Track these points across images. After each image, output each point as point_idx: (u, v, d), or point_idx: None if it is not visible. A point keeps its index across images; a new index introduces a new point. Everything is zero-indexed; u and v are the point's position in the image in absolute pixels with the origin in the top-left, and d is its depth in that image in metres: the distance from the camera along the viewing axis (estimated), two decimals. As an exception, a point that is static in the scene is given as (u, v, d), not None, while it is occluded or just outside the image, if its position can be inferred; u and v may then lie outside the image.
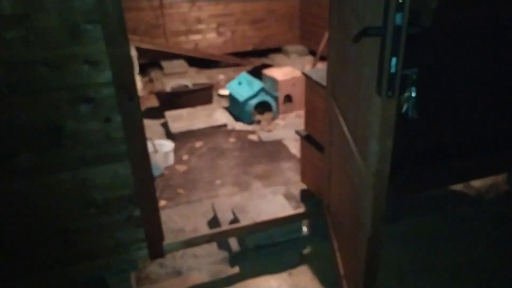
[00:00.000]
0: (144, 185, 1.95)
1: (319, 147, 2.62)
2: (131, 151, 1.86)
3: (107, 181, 1.90)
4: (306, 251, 2.38)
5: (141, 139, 1.86)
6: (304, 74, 2.63)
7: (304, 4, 6.17)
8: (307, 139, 2.78)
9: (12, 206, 1.82)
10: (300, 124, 4.23)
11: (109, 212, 1.97)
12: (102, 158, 1.85)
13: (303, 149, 2.94)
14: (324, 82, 2.37)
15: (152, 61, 5.84)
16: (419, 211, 2.76)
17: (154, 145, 3.30)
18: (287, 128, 4.14)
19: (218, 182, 3.24)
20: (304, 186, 3.05)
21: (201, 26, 5.90)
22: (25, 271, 1.96)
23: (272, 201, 2.60)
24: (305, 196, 2.92)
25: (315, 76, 2.51)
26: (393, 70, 1.04)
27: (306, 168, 2.99)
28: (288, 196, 2.90)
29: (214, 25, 5.96)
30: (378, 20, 1.06)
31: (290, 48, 6.29)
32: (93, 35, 1.63)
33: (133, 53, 5.14)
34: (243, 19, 6.04)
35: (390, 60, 1.03)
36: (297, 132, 2.91)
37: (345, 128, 1.58)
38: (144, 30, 5.62)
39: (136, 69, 5.21)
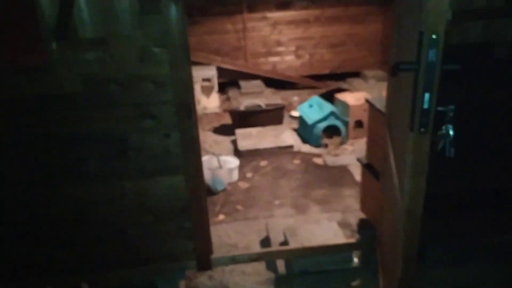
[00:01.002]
0: (196, 199, 2.07)
1: (378, 176, 2.54)
2: (186, 165, 1.99)
3: (163, 192, 2.05)
4: (355, 283, 2.30)
5: (196, 155, 1.98)
6: (367, 101, 2.59)
7: (386, 29, 6.03)
8: (368, 168, 2.71)
9: (80, 207, 2.05)
10: (369, 152, 4.13)
11: (163, 221, 2.12)
12: (160, 170, 2.01)
13: (363, 177, 2.87)
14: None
15: (231, 80, 6.12)
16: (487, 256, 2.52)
17: (219, 161, 3.45)
18: (354, 154, 4.05)
19: (276, 202, 3.28)
20: (363, 216, 2.96)
21: (280, 49, 6.06)
22: (87, 269, 2.18)
23: (326, 227, 2.56)
24: (363, 226, 2.83)
25: (378, 104, 2.46)
26: (426, 106, 1.01)
27: (365, 197, 2.90)
28: (344, 224, 2.83)
29: (293, 48, 6.08)
30: (412, 52, 1.04)
31: (368, 72, 6.17)
32: (159, 59, 1.80)
33: (214, 72, 5.45)
34: (322, 43, 6.09)
35: (423, 96, 1.00)
36: (359, 160, 2.85)
37: (392, 162, 1.54)
38: (226, 51, 5.93)
39: (215, 87, 5.51)
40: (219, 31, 5.83)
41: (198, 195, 2.07)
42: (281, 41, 6.02)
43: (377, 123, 2.52)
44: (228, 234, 2.91)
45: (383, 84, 5.96)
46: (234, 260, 2.27)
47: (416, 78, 1.01)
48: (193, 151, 1.97)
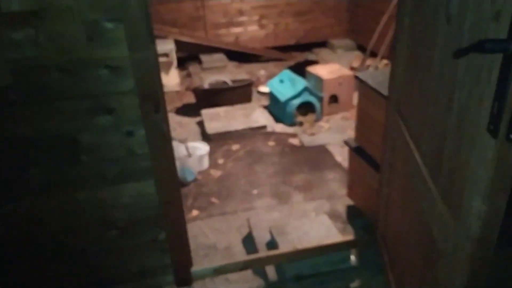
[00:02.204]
0: (170, 206, 1.71)
1: (373, 163, 2.28)
2: (156, 168, 1.62)
3: (129, 201, 1.68)
4: (354, 285, 2.07)
5: (167, 155, 1.61)
6: (357, 78, 2.29)
7: (353, -5, 5.72)
8: (358, 152, 2.45)
9: (25, 226, 1.63)
10: (346, 128, 3.88)
11: (131, 235, 1.75)
12: (123, 176, 1.62)
13: (351, 161, 2.61)
14: (382, 90, 2.03)
15: (191, 54, 5.63)
16: None
17: (187, 149, 3.07)
18: (331, 132, 3.80)
19: (255, 191, 2.97)
20: (350, 202, 2.72)
21: (243, 18, 5.61)
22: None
23: (315, 221, 2.29)
24: (352, 215, 2.60)
25: (372, 81, 2.16)
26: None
27: (354, 183, 2.66)
28: (333, 215, 2.58)
29: (256, 17, 5.65)
30: (487, 26, 0.73)
31: (336, 42, 5.88)
32: (114, 36, 1.38)
33: (171, 46, 4.94)
34: (287, 11, 5.69)
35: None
36: (346, 143, 2.58)
37: (418, 159, 1.25)
38: (184, 22, 5.41)
39: (174, 63, 5.02)
40: (174, -1, 5.27)
41: (173, 202, 1.71)
42: (243, 10, 5.57)
43: (369, 103, 2.24)
44: (205, 233, 2.58)
45: (352, 53, 5.75)
46: (219, 271, 1.96)
47: (505, 64, 0.69)
48: (164, 150, 1.59)
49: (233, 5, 5.49)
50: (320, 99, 3.97)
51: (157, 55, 1.48)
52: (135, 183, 1.64)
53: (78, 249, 1.73)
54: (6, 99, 1.39)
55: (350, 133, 3.72)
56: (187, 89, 4.75)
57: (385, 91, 2.02)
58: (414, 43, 1.37)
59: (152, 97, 1.48)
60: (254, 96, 4.62)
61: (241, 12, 5.56)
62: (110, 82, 1.44)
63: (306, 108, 3.95)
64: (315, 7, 5.74)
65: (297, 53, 5.90)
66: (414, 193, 1.31)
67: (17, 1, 1.25)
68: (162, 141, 1.56)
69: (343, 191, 2.86)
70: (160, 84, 1.51)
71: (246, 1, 5.52)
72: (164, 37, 5.15)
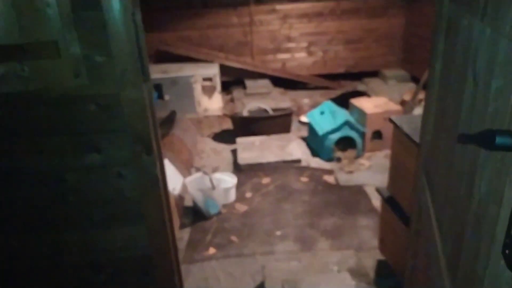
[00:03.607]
0: (161, 257, 1.55)
1: (404, 217, 2.00)
2: (147, 215, 1.48)
3: (118, 246, 1.55)
4: None
5: (159, 201, 1.46)
6: (391, 121, 2.03)
7: (409, 24, 5.40)
8: (389, 202, 2.17)
9: (11, 262, 1.55)
10: (389, 167, 3.55)
11: (119, 282, 1.61)
12: (112, 219, 1.50)
13: (383, 211, 2.32)
14: (417, 138, 1.76)
15: (236, 79, 5.58)
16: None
17: (211, 181, 2.94)
18: (372, 171, 3.50)
19: (278, 233, 2.75)
20: (381, 257, 2.42)
21: (291, 45, 5.49)
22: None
23: (335, 279, 2.03)
24: (381, 272, 2.30)
25: (407, 127, 1.90)
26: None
27: (385, 236, 2.36)
28: (359, 272, 2.29)
29: (304, 44, 5.50)
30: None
31: (388, 72, 5.55)
32: (102, 72, 1.28)
33: (216, 71, 4.92)
34: (337, 39, 5.49)
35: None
36: (378, 191, 2.30)
37: (438, 242, 1.00)
38: (231, 47, 5.39)
39: (218, 87, 4.98)
40: (223, 24, 5.28)
41: (164, 251, 1.55)
42: (291, 36, 5.45)
43: (403, 150, 1.97)
44: (217, 276, 2.40)
45: (405, 85, 5.38)
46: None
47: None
48: (155, 195, 1.45)
49: (281, 31, 5.39)
50: (362, 135, 3.70)
51: (151, 95, 1.36)
52: (124, 228, 1.51)
53: (66, 291, 1.63)
54: (-6, 132, 1.34)
55: (392, 174, 3.40)
56: (226, 116, 4.67)
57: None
58: (444, 96, 1.13)
59: (143, 139, 1.36)
60: (295, 125, 4.43)
61: (289, 39, 5.45)
62: (99, 120, 1.34)
63: (346, 143, 3.69)
64: (368, 35, 5.49)
65: (346, 82, 5.66)
66: (432, 281, 1.05)
67: (2, 34, 1.19)
68: (153, 186, 1.42)
69: (375, 242, 2.56)
70: (154, 125, 1.39)
71: (295, 28, 5.40)
72: (210, 61, 5.16)
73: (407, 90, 5.06)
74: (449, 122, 1.01)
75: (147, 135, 1.35)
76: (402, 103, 4.46)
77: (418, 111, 4.35)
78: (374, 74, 5.70)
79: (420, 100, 4.42)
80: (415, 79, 5.36)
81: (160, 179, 1.43)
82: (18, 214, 1.46)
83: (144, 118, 1.34)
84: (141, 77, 1.29)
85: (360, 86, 5.49)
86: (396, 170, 2.09)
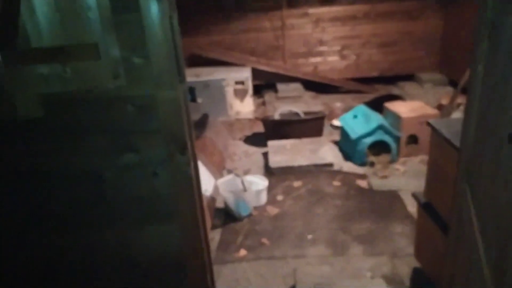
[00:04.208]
0: (193, 255, 1.57)
1: (442, 224, 1.93)
2: (179, 213, 1.50)
3: (152, 244, 1.57)
4: None
5: (192, 199, 1.48)
6: (429, 125, 1.97)
7: (447, 26, 5.25)
8: (426, 208, 2.10)
9: (49, 261, 1.61)
10: (424, 173, 3.43)
11: (154, 279, 1.64)
12: (147, 217, 1.53)
13: (420, 218, 2.25)
14: (458, 143, 1.70)
15: (268, 83, 5.59)
16: None
17: (243, 183, 2.94)
18: (406, 176, 3.40)
19: (309, 236, 2.72)
20: (417, 264, 2.34)
21: (323, 48, 5.45)
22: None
23: (369, 286, 1.98)
24: (417, 281, 2.22)
25: (446, 131, 1.84)
26: None
27: (421, 243, 2.29)
28: (393, 279, 2.23)
29: (337, 48, 5.45)
30: None
31: (425, 76, 5.41)
32: (140, 73, 1.31)
33: (248, 74, 4.95)
34: (372, 42, 5.40)
35: None
36: (415, 196, 2.24)
37: (481, 249, 0.96)
38: (262, 51, 5.41)
39: (250, 91, 5.01)
40: (255, 28, 5.32)
41: (197, 250, 1.57)
42: (324, 40, 5.41)
43: (442, 155, 1.91)
44: (248, 277, 2.40)
45: (442, 89, 5.21)
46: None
47: None
48: (189, 194, 1.47)
49: (314, 35, 5.37)
50: (397, 139, 3.61)
51: (186, 96, 1.38)
52: (158, 226, 1.53)
53: None
54: (37, 131, 1.39)
55: (428, 180, 3.29)
56: (257, 119, 4.68)
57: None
58: (487, 98, 1.08)
59: (178, 139, 1.38)
60: (326, 129, 4.38)
61: (321, 42, 5.41)
62: (135, 120, 1.37)
63: (380, 147, 3.61)
64: (403, 38, 5.37)
65: (380, 86, 5.55)
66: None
67: (47, 37, 1.24)
68: (187, 185, 1.44)
69: (411, 249, 2.49)
70: (188, 126, 1.41)
71: (328, 31, 5.36)
72: (242, 65, 5.20)
73: (444, 94, 4.91)
74: (494, 126, 0.97)
75: (182, 135, 1.38)
76: (439, 107, 4.33)
77: (457, 115, 4.21)
78: (410, 78, 5.57)
79: (459, 105, 4.27)
80: (452, 83, 5.20)
81: (194, 179, 1.45)
82: (58, 213, 1.52)
83: (179, 119, 1.36)
84: (177, 78, 1.32)
85: (395, 90, 5.37)
86: (434, 175, 2.02)
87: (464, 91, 4.34)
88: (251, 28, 5.29)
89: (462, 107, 4.21)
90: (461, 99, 4.31)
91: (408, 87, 5.38)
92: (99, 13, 1.25)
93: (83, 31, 1.27)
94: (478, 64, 1.17)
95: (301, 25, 5.30)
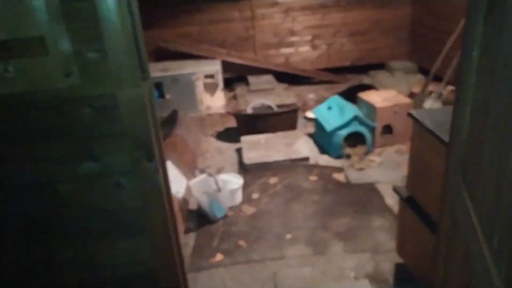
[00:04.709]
0: (167, 270, 1.42)
1: (426, 219, 1.86)
2: (149, 225, 1.34)
3: (120, 261, 1.41)
4: None
5: (161, 211, 1.33)
6: (411, 115, 1.89)
7: (416, 14, 5.24)
8: (409, 203, 2.03)
9: (5, 281, 1.42)
10: (401, 163, 3.41)
11: (123, 299, 1.48)
12: (113, 231, 1.36)
13: (402, 212, 2.18)
14: (443, 133, 1.63)
15: (239, 75, 5.43)
16: None
17: (217, 183, 2.80)
18: (383, 168, 3.36)
19: (288, 236, 2.62)
20: (399, 260, 2.28)
21: (294, 39, 5.34)
22: None
23: None
24: (401, 277, 2.16)
25: (429, 122, 1.76)
26: None
27: (404, 239, 2.22)
28: (377, 278, 2.16)
29: (308, 37, 5.35)
30: None
31: (395, 64, 5.40)
32: (96, 70, 1.14)
33: (218, 67, 4.78)
34: (342, 31, 5.33)
35: None
36: (396, 190, 2.16)
37: (487, 255, 0.86)
38: (232, 42, 5.24)
39: (220, 84, 4.84)
40: (224, 19, 5.13)
41: (169, 263, 1.42)
42: (294, 30, 5.29)
43: (425, 146, 1.83)
44: (226, 284, 2.27)
45: (413, 77, 5.21)
46: None
47: None
48: (158, 205, 1.32)
49: (284, 25, 5.24)
50: (372, 130, 3.55)
51: (151, 94, 1.22)
52: (125, 242, 1.38)
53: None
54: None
55: (404, 170, 3.26)
56: (229, 113, 4.53)
57: (445, 136, 1.62)
58: (485, 88, 0.99)
59: (144, 143, 1.22)
60: (300, 121, 4.28)
61: (292, 32, 5.29)
62: (93, 124, 1.20)
63: (355, 139, 3.55)
64: (374, 27, 5.33)
65: (352, 76, 5.50)
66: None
67: (-19, 29, 1.06)
68: (156, 195, 1.29)
69: (392, 244, 2.42)
70: (155, 128, 1.25)
71: (298, 21, 5.24)
72: (211, 57, 5.02)
73: (415, 82, 4.91)
74: (498, 118, 0.87)
75: (148, 139, 1.22)
76: (411, 95, 4.31)
77: (429, 103, 4.20)
78: (381, 66, 5.54)
79: (430, 92, 4.27)
80: (423, 71, 5.21)
81: (163, 187, 1.30)
82: (9, 228, 1.33)
83: (144, 121, 1.20)
84: (140, 74, 1.15)
85: (366, 79, 5.34)
86: (416, 169, 1.95)
87: (436, 78, 4.35)
88: (220, 19, 5.10)
89: (433, 95, 4.21)
90: (432, 87, 4.30)
91: (380, 76, 5.35)
92: (45, 0, 1.07)
93: (26, 22, 1.08)
94: (472, 48, 1.07)
95: (271, 15, 5.16)
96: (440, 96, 4.19)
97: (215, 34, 5.16)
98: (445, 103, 4.17)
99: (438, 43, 4.74)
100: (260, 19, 5.15)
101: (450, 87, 4.36)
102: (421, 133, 1.82)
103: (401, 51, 5.48)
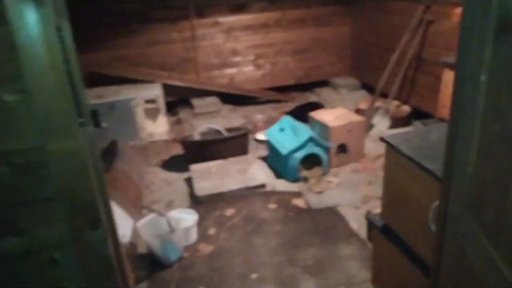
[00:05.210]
0: None
1: (405, 249, 1.73)
2: (98, 309, 1.04)
3: None
4: None
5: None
6: (384, 140, 1.75)
7: (356, 31, 5.32)
8: (385, 232, 1.89)
9: None
10: (358, 183, 3.31)
11: None
12: (48, 321, 1.04)
13: (377, 242, 2.04)
14: (422, 159, 1.50)
15: (182, 98, 5.15)
16: None
17: (169, 223, 2.50)
18: (342, 188, 3.24)
19: (254, 276, 2.38)
20: (375, 292, 2.14)
21: (237, 59, 5.18)
22: None
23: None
24: (380, 312, 2.01)
25: (406, 147, 1.63)
26: None
27: (380, 270, 2.08)
28: (357, 317, 1.98)
29: (251, 57, 5.22)
30: None
31: (339, 81, 5.43)
32: (16, 117, 0.85)
33: (159, 91, 4.47)
34: (285, 50, 5.27)
35: None
36: (370, 219, 2.02)
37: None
38: (173, 64, 4.97)
39: (162, 109, 4.53)
40: (163, 41, 4.85)
41: None
42: (237, 49, 5.14)
43: (401, 173, 1.70)
44: None
45: (357, 93, 5.25)
46: None
47: None
48: (109, 282, 1.03)
49: (226, 45, 5.07)
50: (327, 150, 3.44)
51: (94, 144, 0.95)
52: (66, 331, 1.07)
53: None
54: None
55: (362, 189, 3.17)
56: (175, 140, 4.23)
57: (427, 162, 1.49)
58: (497, 116, 0.85)
59: (85, 208, 0.94)
60: (251, 144, 4.09)
61: (235, 52, 5.13)
62: (14, 187, 0.90)
63: (311, 160, 3.41)
64: (315, 45, 5.33)
65: (297, 94, 5.45)
66: None
67: None
68: (104, 270, 1.00)
69: (364, 274, 2.28)
70: (100, 186, 0.97)
71: (241, 40, 5.10)
72: (151, 81, 4.69)
73: (360, 98, 4.94)
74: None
75: (91, 202, 0.94)
76: (358, 111, 4.30)
77: (377, 119, 4.22)
78: (325, 83, 5.55)
79: (377, 108, 4.29)
80: (365, 86, 5.28)
81: (114, 260, 1.01)
82: None
83: (84, 180, 0.92)
84: (77, 120, 0.88)
85: (312, 97, 5.31)
86: (392, 196, 1.81)
87: (382, 94, 4.39)
88: (158, 41, 4.81)
89: (381, 111, 4.23)
90: (379, 103, 4.33)
91: (325, 93, 5.35)
92: None
93: None
94: (481, 72, 0.92)
95: (213, 35, 4.96)
96: (387, 111, 4.22)
97: (154, 57, 4.85)
98: (393, 118, 4.21)
99: (378, 59, 4.84)
100: (201, 39, 4.94)
101: (396, 102, 4.42)
102: (397, 159, 1.69)
103: (343, 67, 5.53)
